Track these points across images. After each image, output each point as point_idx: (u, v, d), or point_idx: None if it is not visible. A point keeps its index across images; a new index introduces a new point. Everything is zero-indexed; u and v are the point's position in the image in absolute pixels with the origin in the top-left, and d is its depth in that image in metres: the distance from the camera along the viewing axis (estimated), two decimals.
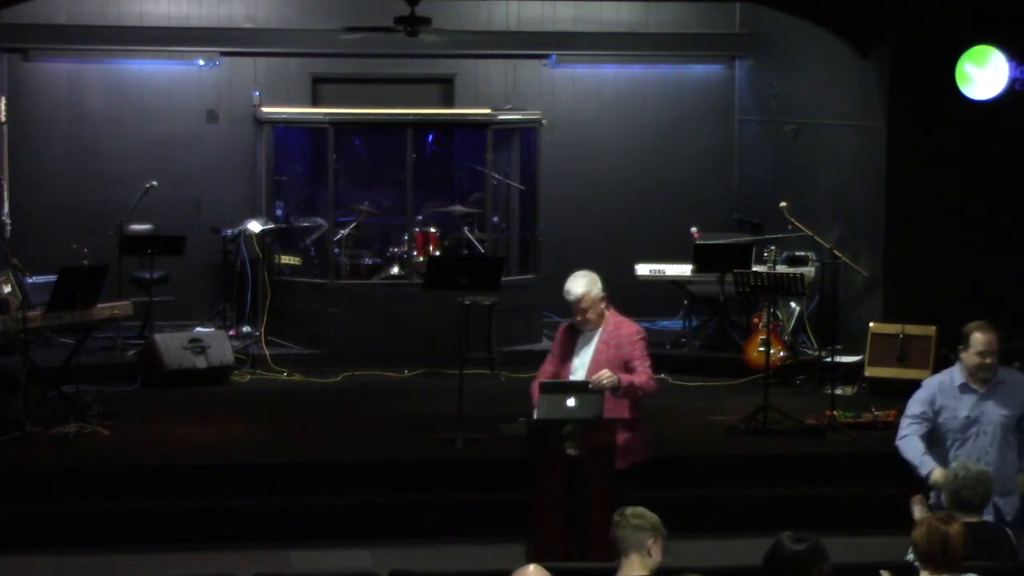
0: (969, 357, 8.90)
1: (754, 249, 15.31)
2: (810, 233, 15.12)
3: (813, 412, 13.24)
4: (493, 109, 16.38)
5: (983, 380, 8.88)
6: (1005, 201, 14.67)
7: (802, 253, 15.61)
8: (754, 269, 14.58)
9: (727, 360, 15.06)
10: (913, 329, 14.14)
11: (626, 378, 9.76)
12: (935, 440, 8.93)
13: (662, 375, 15.00)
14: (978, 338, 8.87)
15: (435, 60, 17.33)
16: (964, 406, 8.91)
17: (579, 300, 9.74)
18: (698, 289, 15.90)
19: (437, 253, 15.47)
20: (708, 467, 12.23)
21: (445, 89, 17.55)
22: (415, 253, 15.56)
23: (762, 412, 12.86)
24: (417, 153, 16.07)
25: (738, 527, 11.34)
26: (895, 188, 14.84)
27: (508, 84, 17.43)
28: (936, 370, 13.71)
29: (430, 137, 16.69)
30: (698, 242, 15.71)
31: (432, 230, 15.70)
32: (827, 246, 15.00)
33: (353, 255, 15.92)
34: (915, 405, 8.99)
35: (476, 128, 16.19)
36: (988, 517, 8.31)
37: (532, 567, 6.53)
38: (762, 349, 13.79)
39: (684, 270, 15.65)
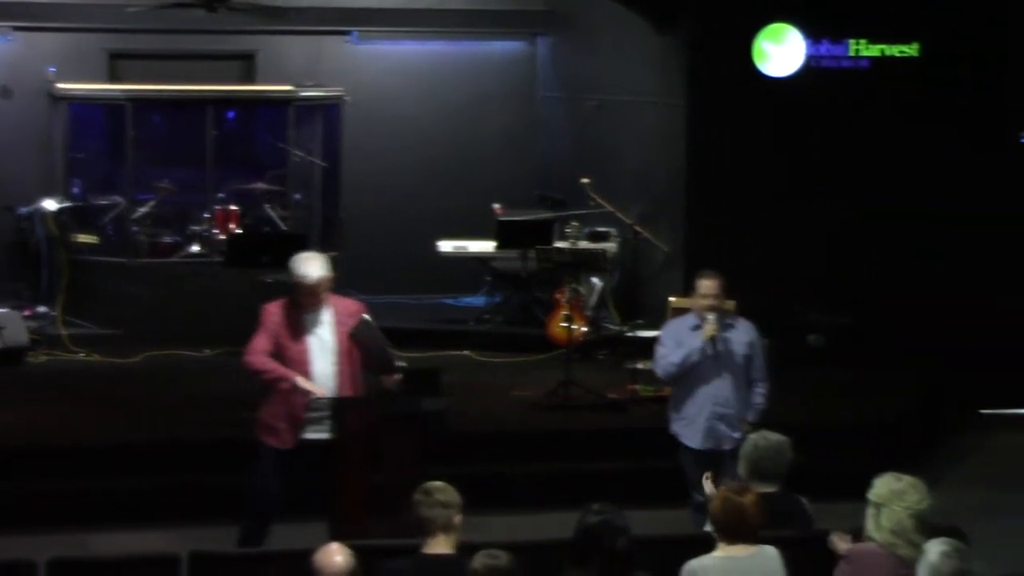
0: (696, 300, 10.04)
1: (556, 225, 15.39)
2: (612, 209, 15.23)
3: (615, 386, 13.36)
4: (295, 86, 16.25)
5: (711, 308, 9.95)
6: (803, 177, 14.90)
7: (604, 229, 15.72)
8: (556, 245, 14.67)
9: (530, 336, 15.12)
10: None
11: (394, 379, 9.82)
12: (681, 377, 10.07)
13: (466, 352, 15.06)
14: (703, 283, 9.97)
15: (236, 36, 17.13)
16: (697, 346, 9.98)
17: (318, 284, 9.52)
18: (501, 265, 15.94)
19: (238, 231, 15.30)
20: (512, 443, 12.28)
21: (246, 65, 17.35)
22: (216, 231, 15.38)
23: (565, 387, 12.93)
24: (218, 130, 15.88)
25: (542, 502, 11.39)
26: (695, 164, 15.01)
27: (310, 60, 17.28)
28: None
29: (230, 114, 16.49)
30: (500, 218, 15.74)
31: (233, 207, 15.53)
32: (628, 222, 15.16)
33: (152, 233, 15.69)
34: (664, 342, 10.15)
35: (278, 105, 16.07)
36: (717, 444, 9.86)
37: (335, 545, 6.51)
38: (564, 324, 13.85)
39: (487, 246, 15.67)
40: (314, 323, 9.57)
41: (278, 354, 9.52)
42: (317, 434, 9.58)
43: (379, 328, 9.87)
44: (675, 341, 10.11)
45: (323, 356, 9.55)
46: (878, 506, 7.12)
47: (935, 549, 6.42)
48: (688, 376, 10.08)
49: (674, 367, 10.05)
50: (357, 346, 9.64)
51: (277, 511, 9.66)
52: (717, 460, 9.93)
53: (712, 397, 10.07)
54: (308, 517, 9.85)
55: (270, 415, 9.61)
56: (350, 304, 9.80)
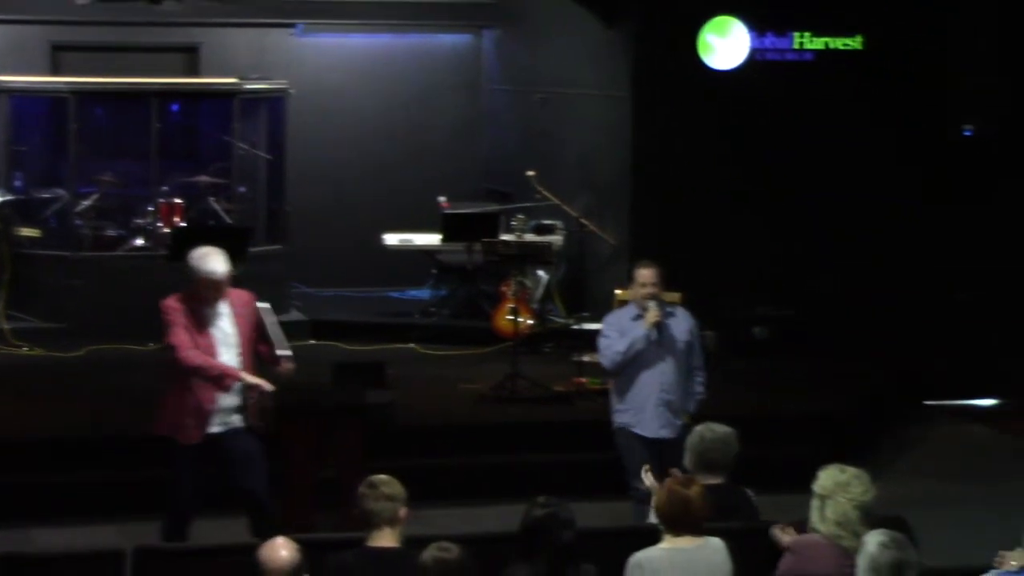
0: (635, 290, 10.10)
1: (502, 218, 15.39)
2: (558, 202, 15.24)
3: (561, 379, 13.36)
4: (239, 78, 16.16)
5: (650, 296, 10.02)
6: (747, 169, 14.94)
7: (550, 222, 15.73)
8: (502, 238, 14.66)
9: (476, 329, 15.10)
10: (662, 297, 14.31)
11: (287, 368, 9.65)
12: (626, 367, 10.08)
13: (411, 345, 15.05)
14: (642, 272, 10.08)
15: (179, 29, 17.05)
16: (641, 334, 10.01)
17: (223, 279, 9.41)
18: (446, 258, 15.93)
19: (182, 224, 15.22)
20: (458, 436, 12.27)
21: (190, 58, 17.27)
22: (160, 224, 15.29)
23: (511, 380, 12.94)
24: (161, 123, 15.78)
25: (489, 495, 11.40)
26: (641, 157, 15.03)
27: (255, 53, 17.21)
28: None
29: (174, 106, 16.41)
30: (446, 211, 15.71)
31: (177, 201, 15.43)
32: (574, 215, 15.16)
33: (96, 227, 15.57)
34: (606, 333, 10.19)
35: (222, 97, 15.97)
36: (666, 432, 9.97)
37: (281, 539, 6.49)
38: (510, 317, 13.85)
39: (432, 239, 15.65)
40: (215, 316, 9.46)
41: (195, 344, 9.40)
42: (224, 426, 9.47)
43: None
44: (618, 331, 10.14)
45: (227, 349, 9.45)
46: (823, 498, 7.15)
47: (873, 540, 6.45)
48: (632, 365, 10.11)
49: (620, 355, 10.06)
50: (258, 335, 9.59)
51: (196, 507, 9.53)
52: (661, 448, 9.97)
53: (658, 384, 10.09)
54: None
55: (176, 412, 9.46)
56: (243, 295, 9.67)
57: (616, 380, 10.28)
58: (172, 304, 9.45)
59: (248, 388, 9.45)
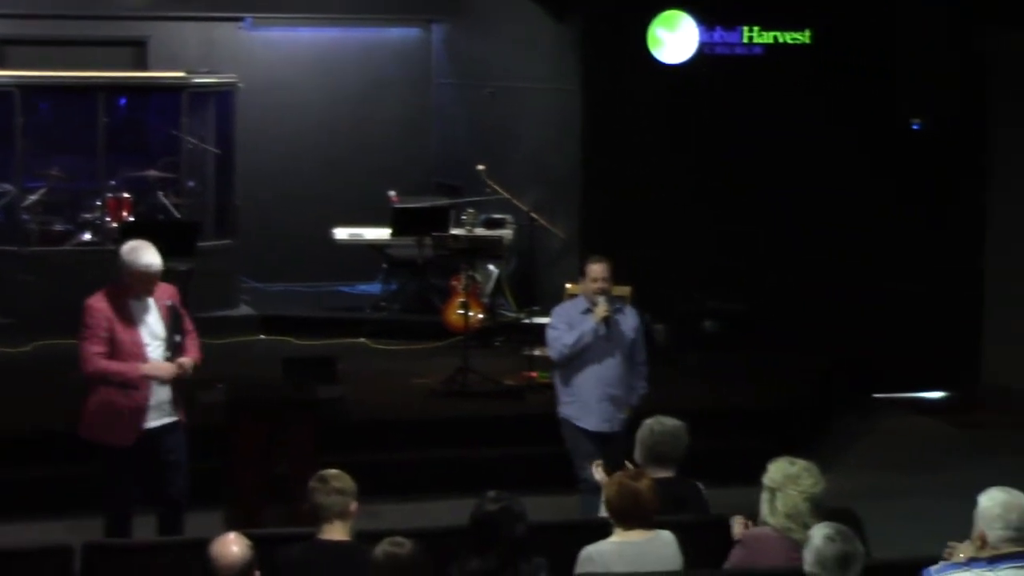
0: (586, 285, 10.17)
1: (452, 212, 15.38)
2: (508, 196, 15.25)
3: (512, 373, 13.38)
4: (188, 72, 16.09)
5: (600, 291, 10.11)
6: (697, 162, 14.98)
7: (500, 216, 15.73)
8: (452, 232, 14.65)
9: (426, 323, 15.10)
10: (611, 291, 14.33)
11: (197, 356, 9.46)
12: (572, 359, 10.15)
13: (362, 339, 15.03)
14: (593, 267, 10.16)
15: (127, 23, 16.95)
16: (590, 327, 10.06)
17: (159, 273, 9.26)
18: (397, 253, 15.90)
19: (131, 218, 15.15)
20: (409, 430, 12.27)
21: (138, 52, 17.17)
22: (108, 219, 15.22)
23: (461, 374, 12.93)
24: (109, 117, 15.70)
25: (440, 489, 11.41)
26: (591, 151, 15.05)
27: (203, 47, 17.14)
28: None
29: (122, 100, 16.32)
30: (396, 206, 15.70)
31: (125, 195, 15.36)
32: (524, 209, 15.17)
33: (43, 221, 15.49)
34: (555, 325, 10.26)
35: (170, 92, 15.89)
36: (607, 426, 10.09)
37: (232, 535, 6.46)
38: (461, 312, 13.84)
39: (382, 234, 15.63)
40: (142, 310, 9.29)
41: (112, 349, 9.21)
42: (159, 420, 9.32)
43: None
44: (567, 323, 10.19)
45: (154, 343, 9.28)
46: (773, 491, 7.17)
47: (819, 533, 6.48)
48: (579, 358, 10.16)
49: (568, 348, 10.11)
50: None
51: (133, 504, 9.38)
52: (605, 441, 10.08)
53: (603, 378, 10.17)
54: (203, 506, 9.81)
55: (104, 415, 9.30)
56: (166, 287, 9.50)
57: (561, 372, 10.32)
58: (96, 305, 9.26)
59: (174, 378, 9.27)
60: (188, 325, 9.53)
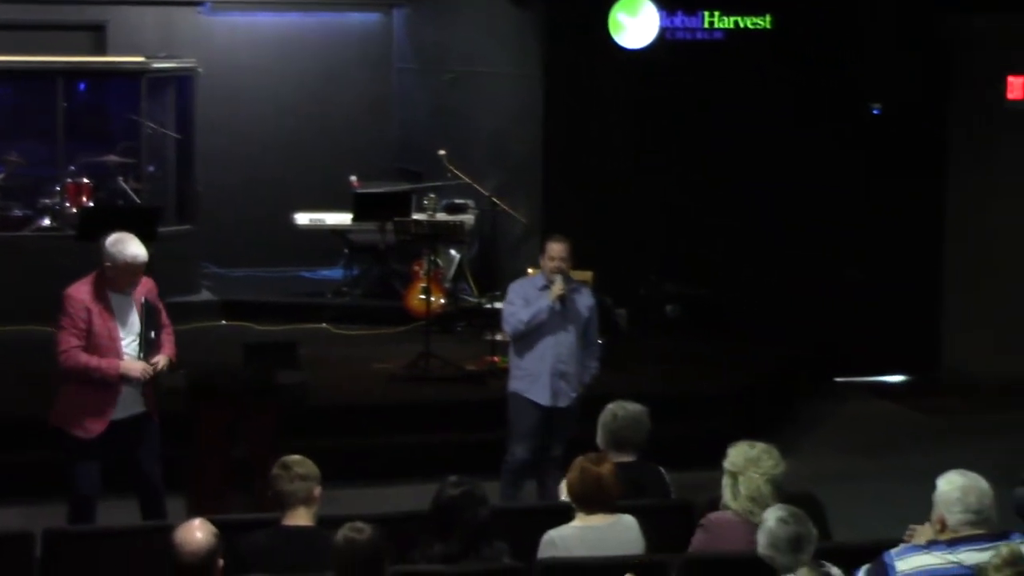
0: (544, 262, 10.33)
1: (414, 197, 15.35)
2: (469, 181, 15.23)
3: (473, 358, 13.38)
4: (147, 57, 16.01)
5: (558, 271, 10.26)
6: (659, 147, 14.99)
7: (461, 201, 15.72)
8: (414, 217, 14.63)
9: (388, 308, 15.07)
10: (571, 274, 14.32)
11: (172, 353, 9.38)
12: (527, 335, 10.30)
13: (323, 324, 15.00)
14: (552, 246, 10.31)
15: (86, 7, 16.86)
16: (545, 305, 10.23)
17: (143, 265, 9.13)
18: (358, 238, 15.87)
19: (91, 204, 15.08)
20: (370, 415, 12.26)
21: (97, 36, 17.08)
22: (68, 204, 15.14)
23: (423, 359, 12.92)
24: (68, 102, 15.61)
25: (402, 474, 11.41)
26: (552, 136, 15.05)
27: (162, 32, 17.05)
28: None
29: (81, 85, 16.23)
30: (357, 191, 15.66)
31: (85, 180, 15.29)
32: (486, 194, 15.16)
33: (2, 207, 15.40)
34: (511, 300, 10.45)
35: (129, 77, 15.81)
36: (557, 401, 10.26)
37: (197, 521, 6.43)
38: (423, 297, 13.83)
39: (344, 219, 15.59)
40: (122, 304, 9.21)
41: (88, 341, 9.09)
42: (127, 412, 9.24)
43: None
44: (523, 299, 10.37)
45: (129, 337, 9.19)
46: (734, 475, 7.19)
47: (773, 515, 6.53)
48: (533, 333, 10.33)
49: (523, 324, 10.29)
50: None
51: (98, 492, 9.30)
52: (552, 417, 10.33)
53: (556, 354, 10.33)
54: (166, 492, 9.77)
55: (76, 407, 9.20)
56: (146, 281, 9.37)
57: (515, 346, 10.50)
58: (76, 295, 9.15)
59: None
60: (164, 320, 9.47)
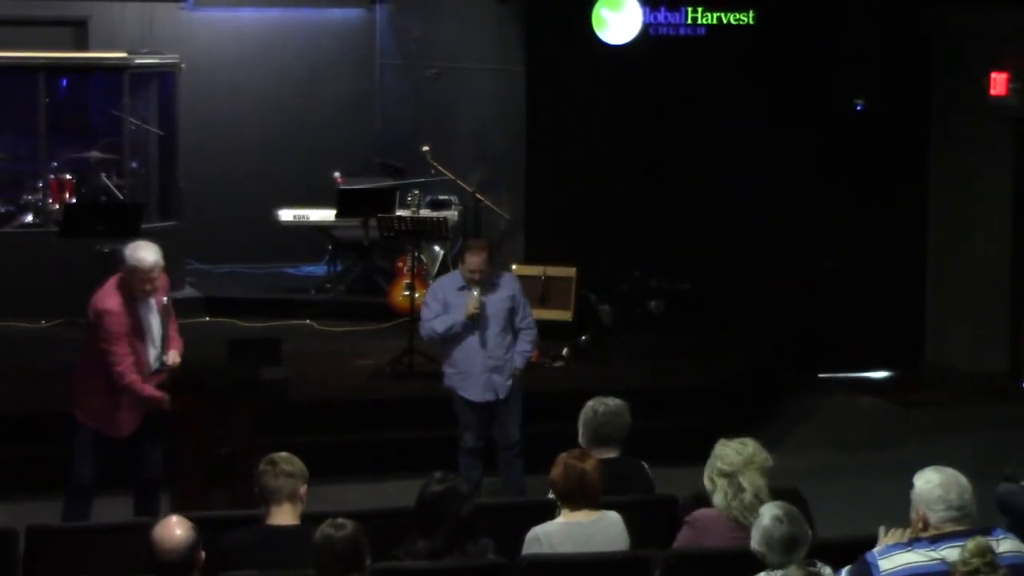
0: (462, 270, 10.52)
1: (397, 193, 15.33)
2: (452, 177, 15.22)
3: None
4: (129, 53, 15.98)
5: (476, 282, 10.43)
6: (642, 142, 14.99)
7: (445, 197, 15.71)
8: (398, 214, 14.61)
9: (372, 304, 15.06)
10: (554, 270, 14.35)
11: (178, 347, 9.74)
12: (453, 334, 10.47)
13: (307, 321, 14.99)
14: (469, 259, 10.44)
15: (68, 2, 16.82)
16: (459, 320, 10.38)
17: (151, 269, 9.37)
18: (342, 234, 15.85)
19: (73, 200, 15.06)
20: (354, 411, 12.25)
21: (79, 32, 17.04)
22: (50, 200, 15.12)
23: (407, 355, 12.92)
24: (50, 98, 15.58)
25: (385, 470, 11.42)
26: (535, 132, 15.04)
27: (144, 27, 17.01)
28: (577, 310, 14.05)
29: (63, 81, 16.19)
30: (341, 187, 15.64)
31: (67, 177, 15.26)
32: (469, 190, 15.14)
33: None
34: (429, 303, 10.57)
35: (112, 72, 15.77)
36: (492, 395, 10.42)
37: (175, 518, 6.42)
38: (407, 293, 13.81)
39: (327, 215, 15.57)
40: (146, 312, 9.49)
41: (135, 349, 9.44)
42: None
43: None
44: (440, 302, 10.50)
45: (151, 345, 9.53)
46: (731, 475, 7.15)
47: (768, 513, 6.49)
48: (456, 335, 10.50)
49: (437, 334, 10.52)
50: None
51: (96, 490, 9.55)
52: (493, 409, 10.51)
53: (483, 352, 10.49)
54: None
55: (101, 405, 9.47)
56: (163, 278, 9.62)
57: (442, 346, 10.68)
58: (113, 308, 9.35)
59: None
60: (172, 318, 9.72)
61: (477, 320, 10.41)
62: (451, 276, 10.86)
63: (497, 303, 10.52)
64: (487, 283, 10.50)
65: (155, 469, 9.64)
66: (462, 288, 10.45)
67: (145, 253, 9.34)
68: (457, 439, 10.64)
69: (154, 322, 9.48)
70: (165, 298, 9.53)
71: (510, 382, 10.53)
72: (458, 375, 10.55)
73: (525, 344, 10.68)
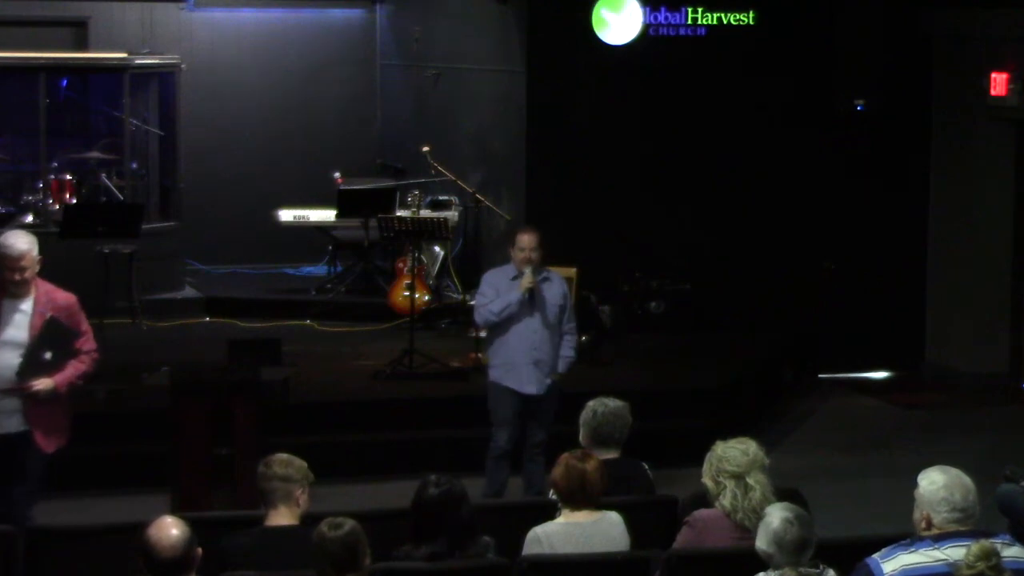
0: (514, 253, 10.51)
1: (397, 194, 15.33)
2: (453, 177, 15.21)
3: (458, 355, 13.36)
4: (129, 53, 15.98)
5: (528, 261, 10.40)
6: (642, 143, 14.98)
7: (445, 197, 15.71)
8: (398, 214, 14.61)
9: (372, 305, 15.06)
10: (554, 271, 14.31)
11: (61, 380, 8.75)
12: (499, 325, 10.47)
13: (307, 321, 14.98)
14: (522, 238, 10.50)
15: (68, 3, 16.83)
16: (516, 297, 10.39)
17: (21, 257, 8.55)
18: (342, 235, 15.85)
19: (74, 201, 15.05)
20: (355, 412, 12.25)
21: (79, 32, 17.04)
22: (50, 201, 15.11)
23: (408, 356, 12.91)
24: (50, 98, 15.58)
25: (386, 471, 11.41)
26: (535, 132, 15.03)
27: (144, 28, 17.01)
28: (578, 310, 14.04)
29: (63, 82, 16.19)
30: (341, 187, 15.64)
31: (68, 177, 15.26)
32: (470, 190, 15.14)
33: None
34: (483, 291, 10.60)
35: (112, 72, 15.77)
36: (534, 389, 10.39)
37: (169, 518, 6.38)
38: (407, 294, 13.81)
39: (328, 215, 15.57)
40: (12, 311, 8.67)
41: None
42: (8, 429, 8.74)
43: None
44: (494, 290, 10.55)
45: (11, 348, 8.65)
46: (739, 476, 7.10)
47: (778, 515, 6.39)
48: (506, 323, 10.48)
49: (494, 316, 10.48)
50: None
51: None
52: (531, 403, 10.49)
53: (529, 343, 10.46)
54: (149, 489, 9.78)
55: None
56: (56, 293, 8.87)
57: (489, 336, 10.70)
58: None
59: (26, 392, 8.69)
60: (79, 344, 8.91)
61: (530, 306, 10.42)
62: (502, 268, 10.79)
63: (549, 296, 10.53)
64: (540, 274, 10.52)
65: (16, 505, 8.76)
66: (515, 278, 10.47)
67: (16, 240, 8.60)
68: (488, 441, 10.59)
69: (19, 328, 8.64)
70: (49, 313, 8.70)
71: (549, 381, 10.52)
72: (503, 366, 10.54)
73: (568, 350, 10.67)
